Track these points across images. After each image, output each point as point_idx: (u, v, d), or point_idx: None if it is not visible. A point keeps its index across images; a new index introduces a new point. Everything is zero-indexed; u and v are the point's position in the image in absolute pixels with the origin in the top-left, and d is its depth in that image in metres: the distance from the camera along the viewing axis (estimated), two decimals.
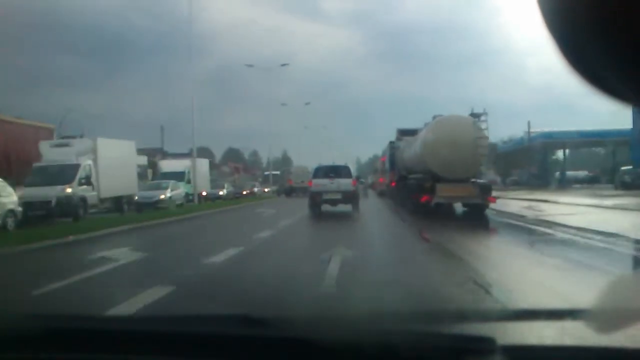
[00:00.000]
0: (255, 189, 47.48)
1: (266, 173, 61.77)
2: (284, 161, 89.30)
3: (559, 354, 1.07)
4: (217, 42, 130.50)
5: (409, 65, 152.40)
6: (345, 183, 17.92)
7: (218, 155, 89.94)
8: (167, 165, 33.66)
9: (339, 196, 17.78)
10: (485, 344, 1.02)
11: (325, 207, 17.90)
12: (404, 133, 23.53)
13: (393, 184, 25.97)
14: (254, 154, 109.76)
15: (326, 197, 17.81)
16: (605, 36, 0.55)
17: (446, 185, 14.58)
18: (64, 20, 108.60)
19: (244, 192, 43.22)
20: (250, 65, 48.86)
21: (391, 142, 28.13)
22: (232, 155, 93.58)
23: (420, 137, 16.58)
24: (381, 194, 35.61)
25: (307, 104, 60.38)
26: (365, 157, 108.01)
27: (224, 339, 1.16)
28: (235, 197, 38.30)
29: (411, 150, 18.59)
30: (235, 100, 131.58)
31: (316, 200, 17.95)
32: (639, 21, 0.52)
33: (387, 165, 30.84)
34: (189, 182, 29.69)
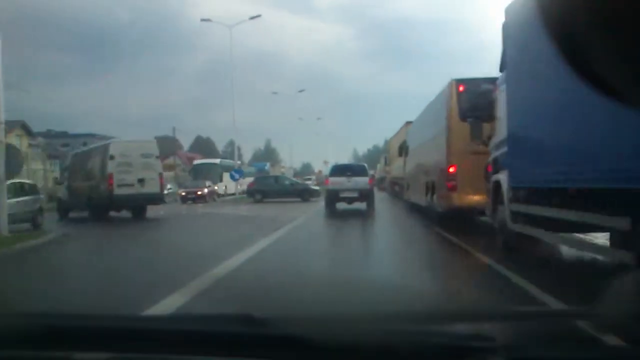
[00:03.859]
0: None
1: (197, 162, 40.87)
2: (268, 153, 79.58)
3: (559, 354, 1.07)
4: (207, 36, 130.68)
5: (402, 60, 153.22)
6: (361, 181, 18.62)
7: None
8: None
9: (355, 194, 18.50)
10: (485, 343, 1.02)
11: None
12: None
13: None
14: (230, 144, 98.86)
15: (343, 195, 18.56)
16: (606, 36, 0.55)
17: None
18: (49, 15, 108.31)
19: None
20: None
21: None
22: (202, 145, 76.60)
23: None
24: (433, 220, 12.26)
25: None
26: (363, 149, 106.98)
27: (226, 337, 1.17)
28: None
29: None
30: (225, 94, 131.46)
31: (333, 198, 18.72)
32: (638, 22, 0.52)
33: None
34: None
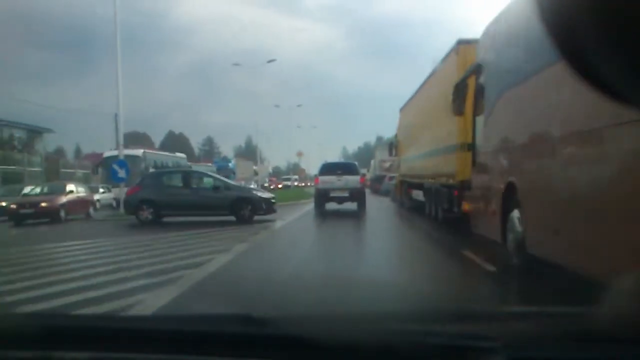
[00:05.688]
0: None
1: (108, 155, 25.72)
2: (249, 151, 77.06)
3: (559, 354, 1.07)
4: (195, 36, 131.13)
5: (392, 60, 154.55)
6: (352, 180, 18.10)
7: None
8: None
9: (346, 194, 17.97)
10: (485, 343, 1.02)
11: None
12: None
13: None
14: (208, 142, 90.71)
15: (333, 194, 18.04)
16: (607, 35, 0.53)
17: None
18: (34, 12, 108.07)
19: None
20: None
21: None
22: (174, 141, 71.49)
23: None
24: None
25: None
26: (353, 147, 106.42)
27: (225, 337, 1.16)
28: None
29: None
30: (213, 94, 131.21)
31: (323, 197, 18.16)
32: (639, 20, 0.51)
33: None
34: None
